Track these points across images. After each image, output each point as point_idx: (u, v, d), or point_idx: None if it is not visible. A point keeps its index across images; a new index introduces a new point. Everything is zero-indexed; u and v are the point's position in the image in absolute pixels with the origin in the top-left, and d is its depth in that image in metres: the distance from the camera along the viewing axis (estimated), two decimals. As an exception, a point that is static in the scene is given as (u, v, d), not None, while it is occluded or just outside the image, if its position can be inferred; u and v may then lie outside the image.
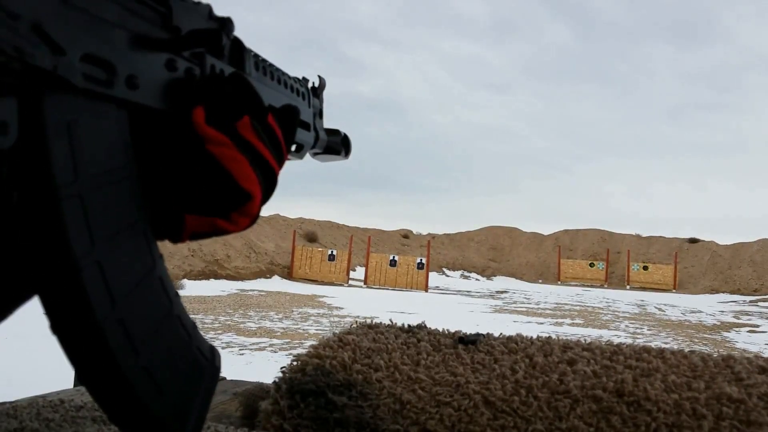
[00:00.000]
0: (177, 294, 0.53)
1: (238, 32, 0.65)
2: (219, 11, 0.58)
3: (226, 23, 0.57)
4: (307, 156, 0.87)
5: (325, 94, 0.90)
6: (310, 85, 0.85)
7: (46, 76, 0.38)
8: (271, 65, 0.71)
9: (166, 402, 0.48)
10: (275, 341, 7.60)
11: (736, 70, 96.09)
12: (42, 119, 0.39)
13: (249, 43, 0.68)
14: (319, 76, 0.87)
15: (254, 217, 0.58)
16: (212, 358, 0.56)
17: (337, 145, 0.91)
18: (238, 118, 0.55)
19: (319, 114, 0.87)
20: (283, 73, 0.75)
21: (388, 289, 19.02)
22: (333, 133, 0.91)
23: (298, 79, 0.80)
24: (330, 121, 0.93)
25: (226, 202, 0.54)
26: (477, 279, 26.30)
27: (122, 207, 0.46)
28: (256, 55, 0.67)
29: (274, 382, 0.85)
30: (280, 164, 0.61)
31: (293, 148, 0.79)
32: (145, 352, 0.46)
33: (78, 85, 0.41)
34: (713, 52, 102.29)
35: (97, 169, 0.44)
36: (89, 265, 0.42)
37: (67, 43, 0.39)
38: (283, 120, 0.64)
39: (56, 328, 0.42)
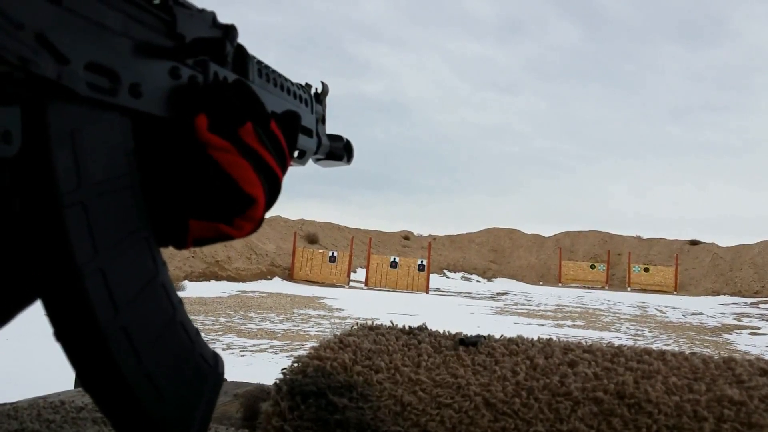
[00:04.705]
0: (180, 301, 0.53)
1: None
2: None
3: (230, 31, 0.57)
4: (309, 161, 0.87)
5: (329, 94, 0.89)
6: (312, 91, 0.85)
7: (49, 85, 0.38)
8: (274, 72, 0.71)
9: (169, 409, 0.48)
10: (276, 343, 7.60)
11: (743, 71, 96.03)
12: (45, 128, 0.39)
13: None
14: (322, 83, 0.87)
15: (258, 222, 0.58)
16: (215, 364, 0.56)
17: (339, 150, 0.91)
18: (241, 125, 0.55)
19: (321, 120, 0.87)
20: (286, 80, 0.75)
21: (388, 290, 19.01)
22: (335, 138, 0.91)
23: (301, 85, 0.81)
24: (334, 121, 0.93)
25: (229, 206, 0.55)
26: (478, 281, 26.30)
27: (125, 214, 0.46)
28: (260, 62, 0.68)
29: (275, 383, 0.85)
30: (284, 170, 0.61)
31: (296, 154, 0.79)
32: (148, 358, 0.46)
33: (82, 93, 0.41)
34: (721, 52, 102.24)
35: (101, 177, 0.44)
36: (92, 273, 0.42)
37: (71, 51, 0.39)
38: (286, 126, 0.64)
39: (60, 335, 0.42)
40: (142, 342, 0.46)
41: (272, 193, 0.59)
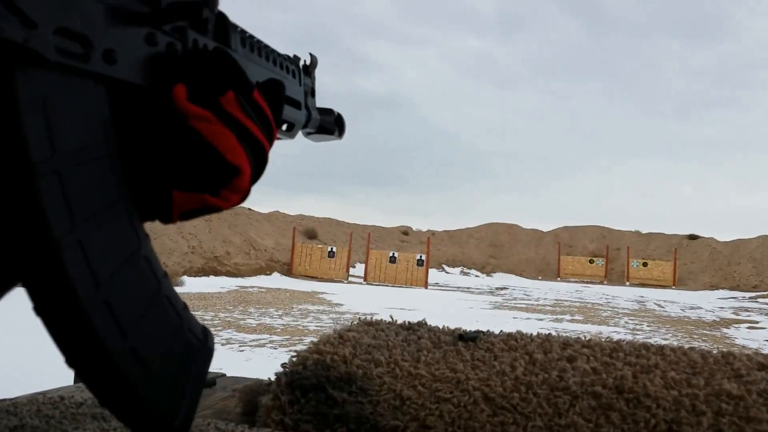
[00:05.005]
0: (165, 274, 0.51)
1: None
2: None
3: None
4: (303, 139, 0.86)
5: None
6: (301, 63, 0.83)
7: (17, 49, 0.37)
8: (259, 41, 0.69)
9: (157, 384, 0.47)
10: (275, 338, 7.61)
11: (743, 67, 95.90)
12: (15, 94, 0.38)
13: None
14: (311, 54, 0.85)
15: (245, 193, 0.57)
16: (205, 339, 0.55)
17: (330, 124, 0.89)
18: (222, 94, 0.54)
19: (311, 93, 0.85)
20: (272, 51, 0.73)
21: (387, 285, 19.02)
22: (326, 112, 0.89)
23: (288, 56, 0.78)
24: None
25: (214, 177, 0.53)
26: (477, 275, 26.32)
27: (104, 184, 0.45)
28: (243, 31, 0.65)
29: (275, 375, 0.85)
30: (270, 140, 0.60)
31: (284, 127, 0.78)
32: (133, 333, 0.45)
33: (51, 59, 0.40)
34: (722, 48, 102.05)
35: (76, 145, 0.42)
36: (70, 245, 0.41)
37: (40, 16, 0.38)
38: (269, 95, 0.62)
39: (39, 310, 0.41)
40: (127, 316, 0.45)
41: (258, 163, 0.58)
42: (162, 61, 0.51)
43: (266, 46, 0.71)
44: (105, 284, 0.43)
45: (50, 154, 0.40)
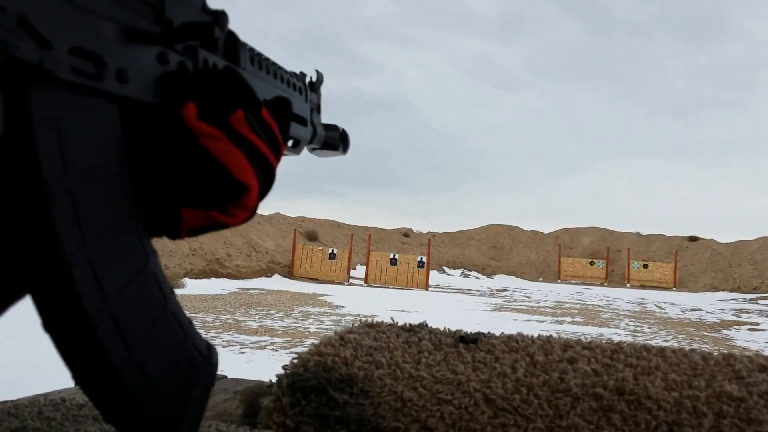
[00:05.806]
0: (172, 290, 0.52)
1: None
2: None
3: (220, 16, 0.56)
4: (305, 152, 0.87)
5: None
6: (307, 80, 0.84)
7: (32, 69, 0.38)
8: (267, 59, 0.70)
9: (162, 399, 0.47)
10: (276, 340, 7.61)
11: (745, 68, 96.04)
12: (29, 113, 0.39)
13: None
14: (317, 71, 0.86)
15: (252, 210, 0.57)
16: (209, 355, 0.56)
17: (335, 140, 0.90)
18: (231, 113, 0.54)
19: (316, 109, 0.86)
20: (280, 68, 0.74)
21: (388, 287, 19.02)
22: (331, 128, 0.90)
23: (295, 74, 0.79)
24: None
25: (222, 195, 0.54)
26: (477, 277, 26.32)
27: (114, 202, 0.46)
28: (252, 49, 0.66)
29: (276, 377, 0.85)
30: (278, 157, 0.60)
31: (290, 143, 0.79)
32: (139, 349, 0.46)
33: (65, 78, 0.40)
34: (723, 49, 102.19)
35: (87, 163, 0.43)
36: (80, 262, 0.41)
37: (55, 36, 0.39)
38: (277, 113, 0.63)
39: (48, 326, 0.42)
40: (133, 332, 0.45)
41: (266, 180, 0.58)
42: (173, 80, 0.52)
43: (274, 64, 0.72)
44: (113, 300, 0.44)
45: (62, 172, 0.41)
